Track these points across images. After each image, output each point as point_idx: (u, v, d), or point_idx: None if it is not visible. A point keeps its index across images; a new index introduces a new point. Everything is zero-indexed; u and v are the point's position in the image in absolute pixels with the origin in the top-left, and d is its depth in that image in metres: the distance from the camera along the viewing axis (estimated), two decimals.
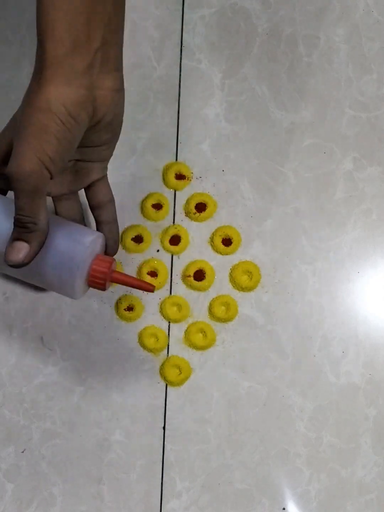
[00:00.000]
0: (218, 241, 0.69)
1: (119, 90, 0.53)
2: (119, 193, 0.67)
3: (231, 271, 0.68)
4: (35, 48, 0.73)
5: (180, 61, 0.73)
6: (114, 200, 0.62)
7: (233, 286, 0.68)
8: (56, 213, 0.61)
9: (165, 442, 0.66)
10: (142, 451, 0.66)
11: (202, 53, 0.73)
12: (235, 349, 0.67)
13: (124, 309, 0.67)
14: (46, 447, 0.66)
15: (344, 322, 0.67)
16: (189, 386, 0.67)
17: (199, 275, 0.68)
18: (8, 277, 0.67)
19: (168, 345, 0.67)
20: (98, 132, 0.54)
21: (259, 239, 0.69)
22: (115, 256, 0.63)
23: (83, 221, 0.63)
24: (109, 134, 0.55)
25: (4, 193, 0.59)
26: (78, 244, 0.55)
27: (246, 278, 0.68)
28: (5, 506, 0.65)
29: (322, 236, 0.69)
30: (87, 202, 0.62)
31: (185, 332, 0.67)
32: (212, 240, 0.69)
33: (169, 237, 0.69)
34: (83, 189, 0.61)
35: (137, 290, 0.64)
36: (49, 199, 0.56)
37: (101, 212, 0.61)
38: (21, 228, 0.51)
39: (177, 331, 0.68)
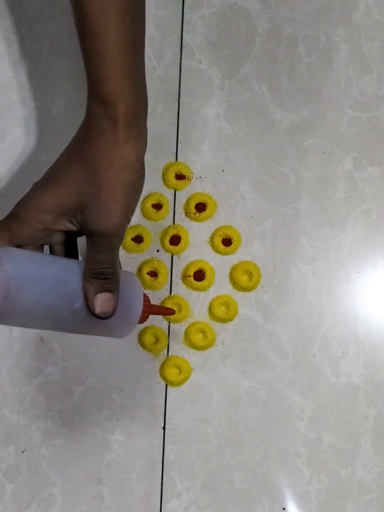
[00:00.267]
0: (218, 241, 0.69)
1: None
2: None
3: (231, 271, 0.68)
4: (35, 48, 0.73)
5: (180, 61, 0.73)
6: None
7: (233, 286, 0.68)
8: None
9: (165, 442, 0.66)
10: (142, 451, 0.66)
11: (202, 53, 0.73)
12: (235, 349, 0.67)
13: None
14: (46, 447, 0.66)
15: (344, 322, 0.67)
16: (189, 386, 0.67)
17: (199, 275, 0.68)
18: None
19: (168, 345, 0.67)
20: None
21: (259, 239, 0.69)
22: None
23: None
24: None
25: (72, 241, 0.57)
26: (135, 286, 0.55)
27: (246, 278, 0.68)
28: (5, 506, 0.65)
29: (322, 236, 0.69)
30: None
31: (185, 332, 0.67)
32: (212, 240, 0.69)
33: (169, 237, 0.69)
34: None
35: None
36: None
37: None
38: (104, 280, 0.51)
39: (177, 331, 0.68)
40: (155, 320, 0.67)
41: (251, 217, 0.70)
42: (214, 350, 0.67)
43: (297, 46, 0.73)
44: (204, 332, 0.67)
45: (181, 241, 0.69)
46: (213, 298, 0.68)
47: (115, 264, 0.51)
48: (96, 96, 0.51)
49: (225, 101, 0.72)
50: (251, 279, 0.68)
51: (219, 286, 0.68)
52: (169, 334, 0.68)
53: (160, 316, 0.68)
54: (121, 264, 0.68)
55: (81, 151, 0.52)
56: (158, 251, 0.69)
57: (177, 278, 0.69)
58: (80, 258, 0.58)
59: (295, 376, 0.66)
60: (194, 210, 0.69)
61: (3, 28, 0.74)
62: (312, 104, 0.72)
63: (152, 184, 0.70)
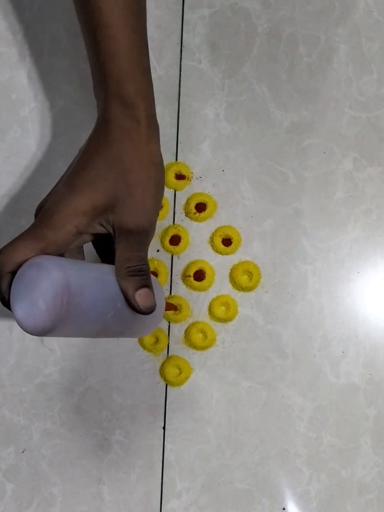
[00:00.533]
0: (218, 241, 0.69)
1: None
2: None
3: (231, 271, 0.68)
4: (35, 48, 0.73)
5: (180, 61, 0.73)
6: None
7: (233, 286, 0.68)
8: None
9: (165, 442, 0.66)
10: (142, 451, 0.66)
11: (202, 53, 0.73)
12: (235, 349, 0.67)
13: None
14: (46, 447, 0.66)
15: (344, 322, 0.67)
16: (189, 386, 0.67)
17: (199, 275, 0.68)
18: None
19: (168, 345, 0.67)
20: None
21: (259, 239, 0.69)
22: None
23: None
24: None
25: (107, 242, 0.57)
26: (156, 282, 0.56)
27: (246, 278, 0.68)
28: (5, 506, 0.65)
29: (322, 236, 0.69)
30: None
31: (185, 332, 0.67)
32: (212, 240, 0.69)
33: (169, 237, 0.69)
34: None
35: None
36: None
37: None
38: (140, 276, 0.52)
39: (177, 331, 0.68)
40: None
41: (251, 217, 0.70)
42: (214, 350, 0.67)
43: (297, 46, 0.73)
44: (204, 332, 0.67)
45: (181, 241, 0.69)
46: (213, 298, 0.68)
47: (147, 259, 0.53)
48: (117, 97, 0.52)
49: (225, 101, 0.72)
50: (251, 279, 0.68)
51: (219, 286, 0.68)
52: (169, 334, 0.68)
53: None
54: None
55: (106, 151, 0.52)
56: (158, 251, 0.69)
57: (177, 278, 0.69)
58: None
59: (295, 376, 0.66)
60: (194, 210, 0.69)
61: (3, 28, 0.74)
62: (312, 104, 0.72)
63: None
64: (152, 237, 0.53)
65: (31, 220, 0.53)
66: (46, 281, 0.45)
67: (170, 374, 0.66)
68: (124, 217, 0.51)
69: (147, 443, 0.66)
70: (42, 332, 0.45)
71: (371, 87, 0.72)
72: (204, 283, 0.68)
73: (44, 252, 0.49)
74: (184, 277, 0.68)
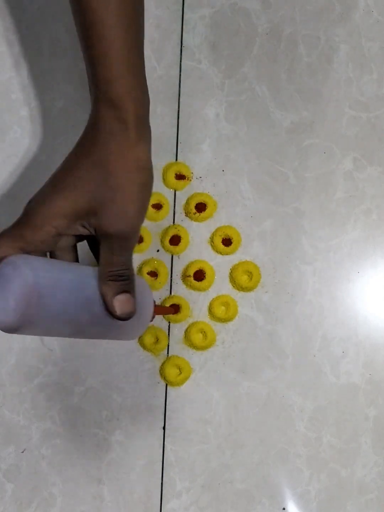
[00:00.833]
0: (218, 241, 0.69)
1: None
2: None
3: (231, 271, 0.68)
4: (35, 48, 0.73)
5: (180, 61, 0.73)
6: None
7: (233, 286, 0.68)
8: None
9: (165, 442, 0.66)
10: (142, 451, 0.66)
11: (202, 53, 0.73)
12: (235, 349, 0.67)
13: None
14: (46, 447, 0.66)
15: (344, 322, 0.67)
16: (189, 386, 0.67)
17: (199, 275, 0.68)
18: None
19: (168, 345, 0.67)
20: None
21: (259, 239, 0.69)
22: None
23: None
24: None
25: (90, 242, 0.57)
26: (145, 287, 0.55)
27: (246, 278, 0.68)
28: (5, 506, 0.65)
29: (322, 236, 0.69)
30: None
31: (185, 332, 0.67)
32: (212, 240, 0.69)
33: (169, 237, 0.69)
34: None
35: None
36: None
37: None
38: (121, 281, 0.51)
39: (177, 331, 0.68)
40: (155, 320, 0.67)
41: (251, 217, 0.70)
42: (214, 350, 0.67)
43: (297, 46, 0.73)
44: (204, 332, 0.67)
45: (181, 241, 0.69)
46: (213, 298, 0.68)
47: (131, 265, 0.52)
48: (105, 98, 0.51)
49: (225, 101, 0.72)
50: (251, 279, 0.68)
51: (219, 286, 0.68)
52: (169, 334, 0.68)
53: (160, 316, 0.68)
54: None
55: (91, 154, 0.51)
56: (158, 251, 0.69)
57: (177, 278, 0.69)
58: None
59: (295, 376, 0.66)
60: (194, 210, 0.69)
61: (3, 28, 0.74)
62: (312, 104, 0.72)
63: None
64: (135, 242, 0.52)
65: None
66: (17, 281, 0.46)
67: (170, 374, 0.66)
68: (105, 221, 0.50)
69: (147, 443, 0.66)
70: (8, 329, 0.46)
71: (371, 87, 0.72)
72: (204, 283, 0.68)
73: (24, 251, 0.49)
74: (184, 277, 0.68)
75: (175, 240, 0.69)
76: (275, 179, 0.70)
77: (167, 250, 0.69)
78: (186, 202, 0.70)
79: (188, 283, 0.68)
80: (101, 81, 0.51)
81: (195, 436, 0.66)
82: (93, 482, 0.65)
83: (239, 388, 0.66)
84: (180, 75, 0.73)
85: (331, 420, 0.66)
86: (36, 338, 0.67)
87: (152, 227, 0.70)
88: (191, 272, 0.68)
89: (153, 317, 0.56)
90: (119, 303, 0.50)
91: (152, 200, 0.70)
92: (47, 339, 0.67)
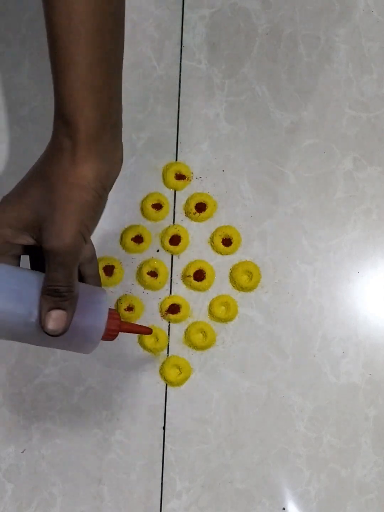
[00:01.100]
0: (218, 241, 0.69)
1: (122, 158, 0.54)
2: (119, 193, 0.67)
3: (231, 271, 0.68)
4: (34, 48, 0.73)
5: (180, 61, 0.73)
6: (96, 254, 0.60)
7: (233, 286, 0.68)
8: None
9: (165, 442, 0.66)
10: (142, 451, 0.66)
11: (202, 53, 0.73)
12: (235, 349, 0.67)
13: (124, 309, 0.67)
14: (46, 447, 0.66)
15: (344, 322, 0.67)
16: (189, 386, 0.67)
17: (199, 275, 0.68)
18: None
19: (168, 345, 0.67)
20: None
21: (259, 239, 0.69)
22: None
23: None
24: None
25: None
26: (98, 304, 0.55)
27: (246, 278, 0.68)
28: (5, 506, 0.65)
29: (322, 236, 0.69)
30: None
31: (185, 332, 0.67)
32: (212, 240, 0.69)
33: (169, 237, 0.69)
34: None
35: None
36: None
37: (86, 267, 0.61)
38: (57, 297, 0.51)
39: (177, 331, 0.68)
40: (155, 320, 0.67)
41: (251, 217, 0.70)
42: (214, 350, 0.67)
43: (297, 46, 0.73)
44: (204, 332, 0.67)
45: (181, 241, 0.69)
46: (213, 298, 0.68)
47: (70, 282, 0.51)
48: (58, 114, 0.51)
49: (225, 101, 0.72)
50: (251, 279, 0.68)
51: (219, 286, 0.68)
52: (169, 334, 0.68)
53: (160, 316, 0.68)
54: (121, 266, 0.68)
55: (42, 169, 0.52)
56: (158, 251, 0.69)
57: (177, 278, 0.69)
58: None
59: (295, 376, 0.66)
60: (194, 210, 0.69)
61: (3, 28, 0.74)
62: (312, 104, 0.72)
63: (152, 184, 0.70)
64: (74, 260, 0.51)
65: None
66: None
67: (170, 374, 0.66)
68: (43, 236, 0.50)
69: (147, 443, 0.66)
70: None
71: (371, 87, 0.72)
72: (204, 283, 0.68)
73: None
74: (184, 277, 0.68)
75: (175, 240, 0.69)
76: (275, 179, 0.70)
77: (167, 250, 0.69)
78: (186, 202, 0.70)
79: (188, 283, 0.68)
80: (57, 96, 0.51)
81: (195, 436, 0.66)
82: (93, 482, 0.65)
83: (239, 388, 0.66)
84: (180, 75, 0.73)
85: (331, 420, 0.66)
86: None
87: (152, 227, 0.70)
88: (191, 272, 0.68)
89: (115, 335, 0.55)
90: (50, 318, 0.50)
91: (152, 200, 0.70)
92: None
